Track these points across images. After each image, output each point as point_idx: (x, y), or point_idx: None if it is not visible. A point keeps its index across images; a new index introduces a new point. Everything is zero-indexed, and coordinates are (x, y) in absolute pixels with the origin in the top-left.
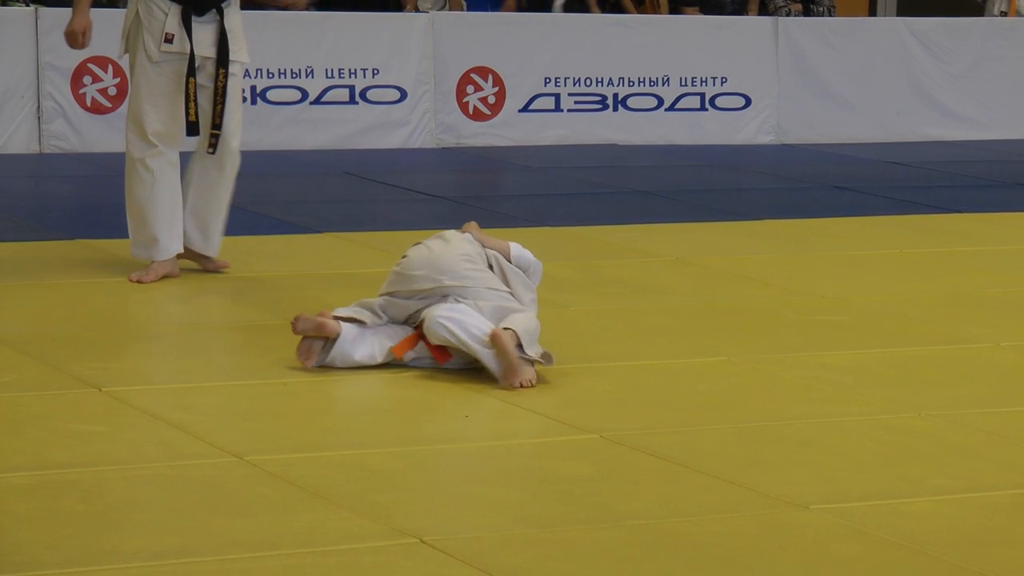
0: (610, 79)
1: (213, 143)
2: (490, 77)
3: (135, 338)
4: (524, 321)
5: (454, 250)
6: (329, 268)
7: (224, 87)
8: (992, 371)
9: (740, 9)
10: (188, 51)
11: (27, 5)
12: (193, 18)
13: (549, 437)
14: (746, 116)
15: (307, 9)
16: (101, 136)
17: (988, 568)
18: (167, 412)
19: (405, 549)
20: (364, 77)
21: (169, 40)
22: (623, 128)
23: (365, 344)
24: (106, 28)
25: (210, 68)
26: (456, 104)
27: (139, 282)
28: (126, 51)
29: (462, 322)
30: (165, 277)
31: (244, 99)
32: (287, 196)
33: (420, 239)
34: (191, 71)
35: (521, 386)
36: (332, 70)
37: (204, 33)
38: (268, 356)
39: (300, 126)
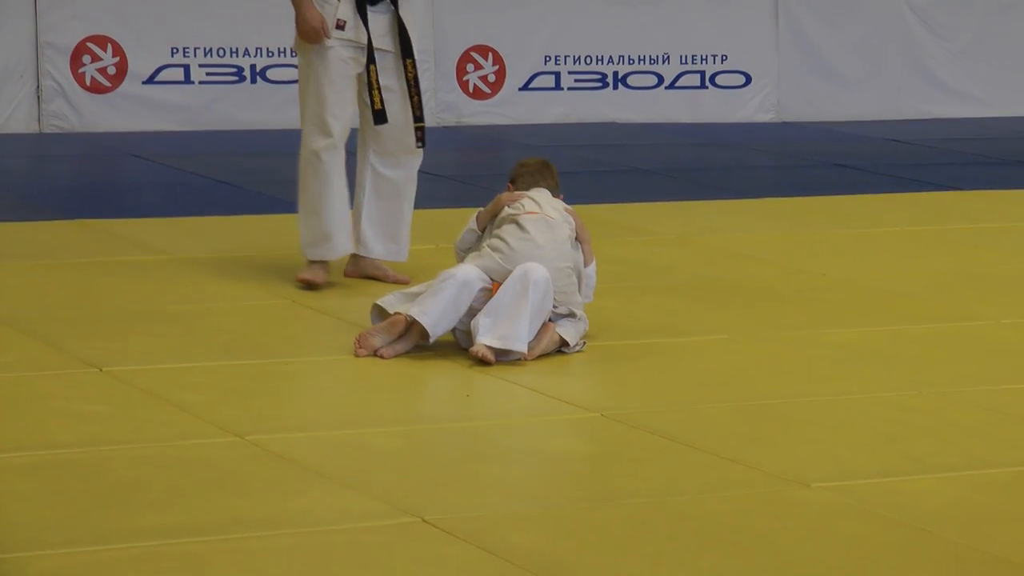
0: (610, 57)
1: (420, 136)
2: (490, 55)
3: (136, 318)
4: (576, 334)
5: (561, 257)
6: None
7: (416, 77)
8: (993, 349)
9: None
10: (364, 41)
11: None
12: (368, 7)
13: (550, 416)
14: (746, 94)
15: None
16: (101, 116)
17: (989, 545)
18: (168, 392)
19: (407, 528)
20: None
21: (341, 27)
22: (623, 106)
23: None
24: (108, 8)
25: (388, 61)
26: (456, 83)
27: (309, 283)
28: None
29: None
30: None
31: (244, 78)
32: (287, 175)
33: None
34: (371, 58)
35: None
36: None
37: (379, 23)
38: (269, 335)
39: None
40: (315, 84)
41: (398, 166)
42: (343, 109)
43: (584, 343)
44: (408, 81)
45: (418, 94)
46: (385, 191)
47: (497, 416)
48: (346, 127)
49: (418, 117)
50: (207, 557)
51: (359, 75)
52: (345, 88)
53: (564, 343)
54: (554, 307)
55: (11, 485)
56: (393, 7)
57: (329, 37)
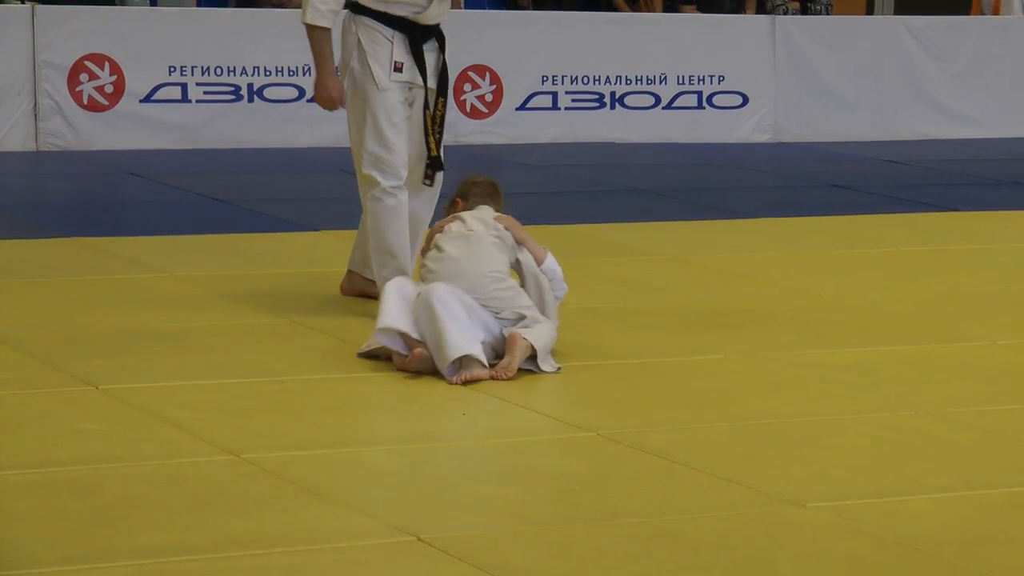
0: (607, 77)
1: (429, 175)
2: (488, 75)
3: (132, 336)
4: (544, 336)
5: (481, 264)
6: (327, 266)
7: (443, 116)
8: (989, 369)
9: (737, 7)
10: (420, 82)
11: (23, 2)
12: (423, 47)
13: (546, 435)
14: (743, 114)
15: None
16: (98, 134)
17: (984, 566)
18: (164, 410)
19: (403, 547)
20: None
21: (399, 69)
22: (620, 126)
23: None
24: (106, 27)
25: (428, 97)
26: (453, 102)
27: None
28: (355, 84)
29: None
30: None
31: (241, 97)
32: (284, 194)
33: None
34: (427, 103)
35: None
36: None
37: (431, 63)
38: (265, 354)
39: (297, 124)
40: (374, 127)
41: (413, 197)
42: (404, 149)
43: (559, 367)
44: (433, 117)
45: (440, 133)
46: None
47: (493, 435)
48: (405, 161)
49: (433, 157)
50: (203, 575)
51: (406, 114)
52: (404, 129)
53: (534, 352)
54: (496, 313)
55: (7, 503)
56: (439, 44)
57: (343, 105)
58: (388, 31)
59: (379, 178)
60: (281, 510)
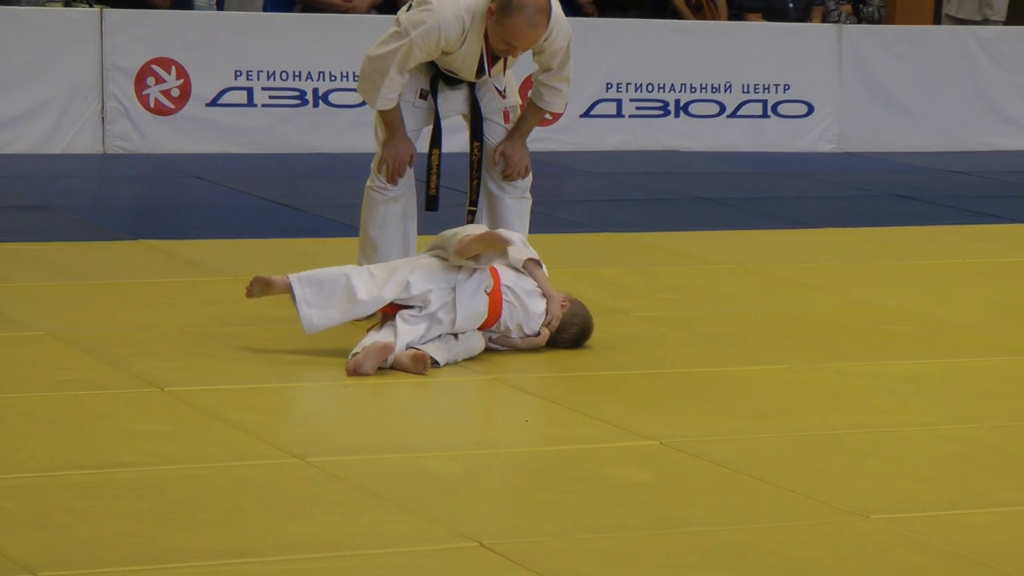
0: (672, 85)
1: (470, 220)
2: None
3: (197, 338)
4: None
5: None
6: None
7: (479, 161)
8: None
9: (803, 16)
10: (436, 110)
11: (91, 6)
12: (443, 85)
13: (609, 443)
14: (808, 124)
15: (368, 12)
16: (164, 137)
17: None
18: (228, 412)
19: (465, 552)
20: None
21: (423, 97)
22: (685, 134)
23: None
24: (172, 31)
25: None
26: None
27: None
28: None
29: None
30: None
31: (306, 102)
32: (348, 198)
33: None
34: (436, 142)
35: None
36: None
37: (454, 101)
38: (329, 358)
39: (362, 129)
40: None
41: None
42: (408, 155)
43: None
44: (471, 163)
45: (478, 179)
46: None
47: (555, 442)
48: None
49: (472, 201)
50: None
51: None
52: (413, 138)
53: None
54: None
55: (72, 503)
56: (470, 88)
57: (402, 177)
58: (422, 64)
59: (376, 178)
60: (343, 514)
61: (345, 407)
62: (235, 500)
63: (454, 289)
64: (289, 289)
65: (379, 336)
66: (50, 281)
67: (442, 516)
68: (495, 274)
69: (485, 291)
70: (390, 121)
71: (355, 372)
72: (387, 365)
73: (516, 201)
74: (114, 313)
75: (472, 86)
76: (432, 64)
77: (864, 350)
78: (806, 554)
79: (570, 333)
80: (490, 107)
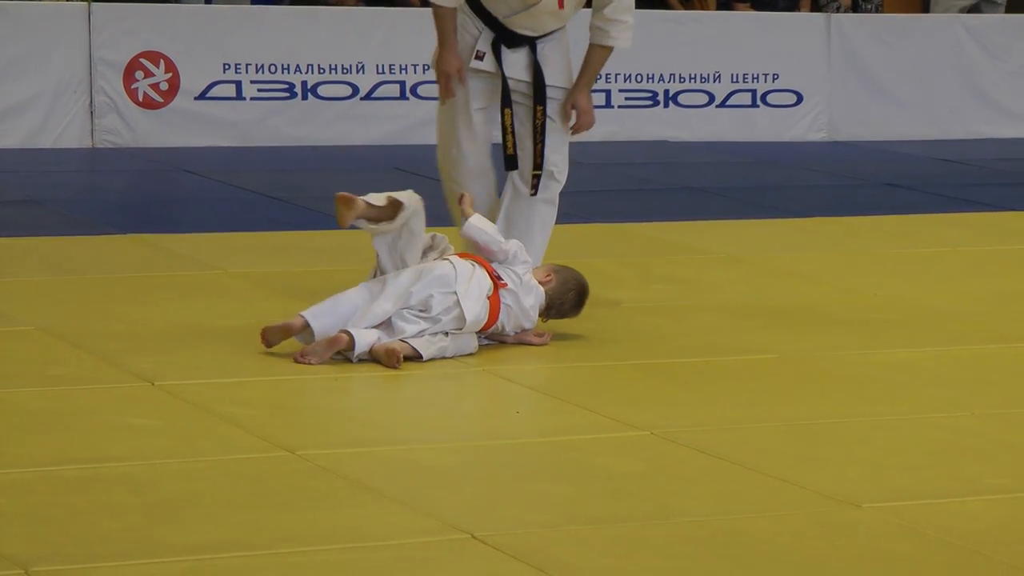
0: (661, 75)
1: (535, 184)
2: None
3: (187, 332)
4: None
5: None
6: None
7: (543, 125)
8: None
9: (792, 5)
10: (499, 74)
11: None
12: (503, 47)
13: (600, 434)
14: (798, 113)
15: (358, 4)
16: (153, 131)
17: None
18: (219, 406)
19: (456, 544)
20: (415, 73)
21: (480, 57)
22: (674, 124)
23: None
24: (161, 24)
25: (523, 91)
26: None
27: None
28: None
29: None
30: None
31: (295, 95)
32: (337, 191)
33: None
34: (506, 101)
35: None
36: (383, 66)
37: (514, 59)
38: None
39: (351, 122)
40: (445, 112)
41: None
42: (471, 141)
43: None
44: (535, 127)
45: (541, 142)
46: (514, 214)
47: (547, 433)
48: (477, 156)
49: (537, 165)
50: (257, 572)
51: (489, 110)
52: (477, 120)
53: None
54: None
55: (63, 498)
56: (531, 50)
57: (462, 84)
58: (479, 24)
59: (440, 163)
60: (335, 507)
61: (336, 400)
62: (227, 493)
63: (455, 293)
64: (306, 326)
65: (374, 334)
66: (39, 276)
67: (434, 508)
68: (492, 276)
69: (486, 296)
70: (443, 28)
71: (300, 360)
72: (365, 357)
73: (543, 205)
74: (104, 307)
75: (534, 50)
76: (492, 25)
77: (855, 339)
78: (798, 543)
79: (568, 304)
80: (553, 75)
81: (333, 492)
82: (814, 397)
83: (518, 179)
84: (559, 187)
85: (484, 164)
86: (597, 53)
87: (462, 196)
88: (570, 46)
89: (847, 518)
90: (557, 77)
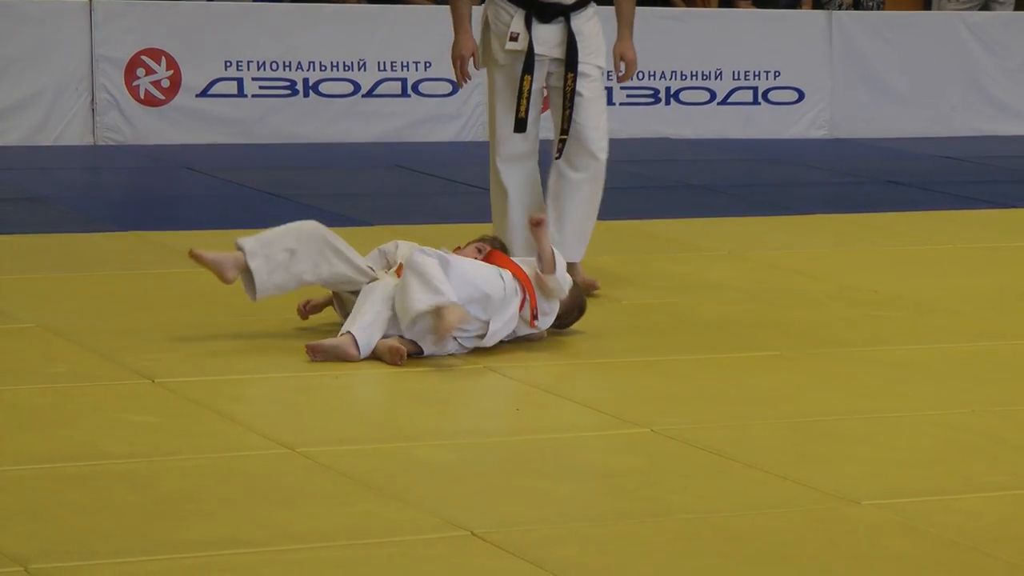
0: (662, 72)
1: (560, 148)
2: None
3: (188, 330)
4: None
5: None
6: None
7: (573, 91)
8: None
9: (793, 3)
10: (540, 52)
11: None
12: (535, 23)
13: (600, 431)
14: (799, 110)
15: (360, 2)
16: (154, 128)
17: None
18: (219, 403)
19: (456, 541)
20: (416, 70)
21: (514, 39)
22: (675, 122)
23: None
24: (162, 21)
25: (556, 68)
26: None
27: None
28: (483, 63)
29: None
30: None
31: (297, 92)
32: (339, 189)
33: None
34: (527, 68)
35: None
36: (384, 63)
37: (547, 33)
38: None
39: (352, 119)
40: (492, 100)
41: (577, 172)
42: (511, 125)
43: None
44: (564, 93)
45: (570, 107)
46: (560, 192)
47: (546, 430)
48: (526, 142)
49: (564, 130)
50: (257, 569)
51: (536, 88)
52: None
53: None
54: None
55: (62, 495)
56: (566, 22)
57: (478, 68)
58: (511, 7)
59: (492, 151)
60: (335, 504)
61: (336, 397)
62: (226, 491)
63: (488, 322)
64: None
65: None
66: (40, 273)
67: (433, 505)
68: (532, 313)
69: (513, 328)
70: (458, 14)
71: (310, 348)
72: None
73: (587, 184)
74: (104, 305)
75: (568, 20)
76: (523, 3)
77: (855, 336)
78: (797, 540)
79: (567, 323)
80: (586, 50)
81: (332, 489)
82: (814, 394)
83: (562, 162)
84: (599, 165)
85: (525, 148)
86: (625, 2)
87: (539, 220)
88: (601, 27)
89: (847, 515)
90: (592, 55)
